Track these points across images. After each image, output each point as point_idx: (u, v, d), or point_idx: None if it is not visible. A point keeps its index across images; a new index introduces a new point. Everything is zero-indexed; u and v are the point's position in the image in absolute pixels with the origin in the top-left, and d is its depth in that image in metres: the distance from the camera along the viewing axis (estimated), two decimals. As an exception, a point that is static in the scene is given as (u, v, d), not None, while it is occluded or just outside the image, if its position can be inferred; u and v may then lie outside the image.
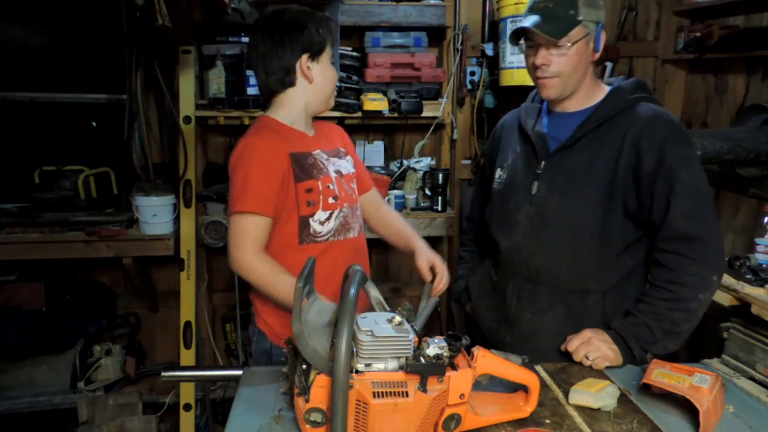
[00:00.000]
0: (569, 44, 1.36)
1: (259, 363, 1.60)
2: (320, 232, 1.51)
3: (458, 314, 3.08)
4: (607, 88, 1.49)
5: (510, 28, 2.54)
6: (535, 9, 1.39)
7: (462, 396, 1.01)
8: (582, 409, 1.16)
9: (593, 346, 1.35)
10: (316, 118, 1.64)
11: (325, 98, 1.57)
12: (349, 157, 1.67)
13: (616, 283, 1.44)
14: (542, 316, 1.47)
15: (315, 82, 1.52)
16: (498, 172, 1.60)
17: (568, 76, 1.40)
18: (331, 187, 1.53)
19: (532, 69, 1.44)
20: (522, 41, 1.44)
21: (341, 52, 2.72)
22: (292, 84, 1.51)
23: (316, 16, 1.51)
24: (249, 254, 1.42)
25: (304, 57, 1.48)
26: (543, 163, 1.47)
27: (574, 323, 1.44)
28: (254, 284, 1.46)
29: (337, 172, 1.57)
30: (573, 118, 1.46)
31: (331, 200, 1.52)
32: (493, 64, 2.84)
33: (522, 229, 1.48)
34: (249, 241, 1.42)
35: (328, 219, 1.52)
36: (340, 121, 2.68)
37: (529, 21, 1.38)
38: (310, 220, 1.50)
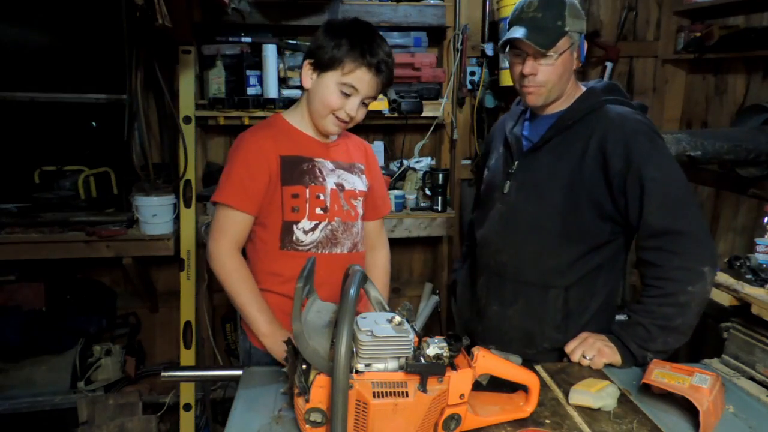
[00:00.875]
0: (556, 55, 1.39)
1: (244, 361, 1.63)
2: (303, 241, 1.49)
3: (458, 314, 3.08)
4: (583, 89, 1.53)
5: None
6: (523, 19, 1.41)
7: (462, 396, 1.01)
8: (582, 409, 1.16)
9: (588, 344, 1.37)
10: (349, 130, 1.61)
11: (315, 114, 1.47)
12: (364, 177, 1.61)
13: (579, 280, 1.46)
14: (506, 309, 1.53)
15: (310, 92, 1.47)
16: (485, 173, 1.67)
17: (554, 85, 1.44)
18: (321, 197, 1.49)
19: (519, 78, 1.47)
20: (507, 50, 1.47)
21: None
22: (304, 82, 1.48)
23: (353, 37, 1.40)
24: (222, 248, 1.45)
25: (307, 62, 1.45)
26: (516, 163, 1.52)
27: (535, 317, 1.49)
28: (218, 278, 1.47)
29: (338, 185, 1.53)
30: (548, 120, 1.51)
31: (318, 210, 1.49)
32: (493, 64, 2.84)
33: (492, 226, 1.55)
34: (223, 235, 1.45)
35: (313, 229, 1.49)
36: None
37: (519, 32, 1.40)
38: (294, 227, 1.48)
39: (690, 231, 1.32)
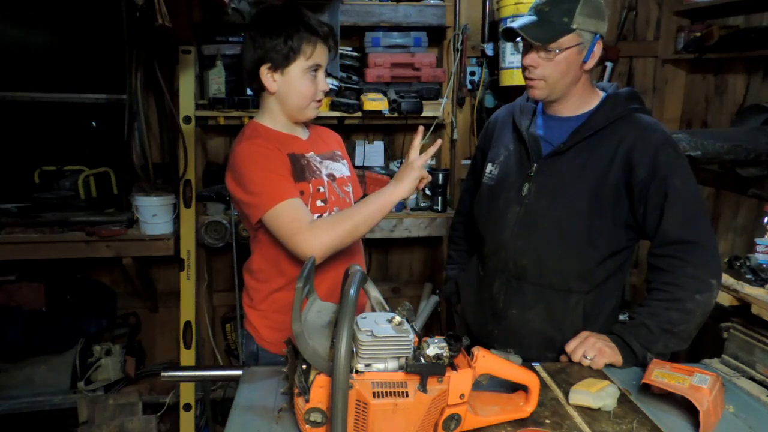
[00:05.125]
0: (558, 50, 1.38)
1: (249, 364, 1.59)
2: None
3: (457, 314, 3.07)
4: (601, 95, 1.51)
5: (510, 28, 2.54)
6: (533, 9, 1.41)
7: (462, 396, 1.01)
8: (582, 409, 1.16)
9: (589, 343, 1.37)
10: (314, 121, 1.61)
11: (295, 110, 1.48)
12: (345, 161, 1.63)
13: (598, 285, 1.47)
14: (526, 313, 1.51)
15: (279, 93, 1.45)
16: (489, 167, 1.62)
17: (555, 81, 1.42)
18: (321, 189, 1.50)
19: (523, 68, 1.46)
20: (519, 39, 1.45)
21: (341, 52, 2.72)
22: (262, 89, 1.47)
23: (294, 21, 1.40)
24: (305, 237, 1.33)
25: (264, 67, 1.43)
26: (535, 165, 1.49)
27: (555, 321, 1.49)
28: (340, 244, 1.35)
29: (330, 175, 1.54)
30: (567, 123, 1.49)
31: (319, 203, 1.49)
32: (493, 64, 2.84)
33: (510, 229, 1.51)
34: (297, 224, 1.34)
35: None
36: (340, 121, 2.68)
37: (521, 21, 1.39)
38: None
39: (704, 243, 1.35)
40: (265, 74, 1.43)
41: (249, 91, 2.58)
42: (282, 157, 1.44)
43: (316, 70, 1.45)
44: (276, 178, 1.39)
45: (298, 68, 1.42)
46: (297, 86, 1.44)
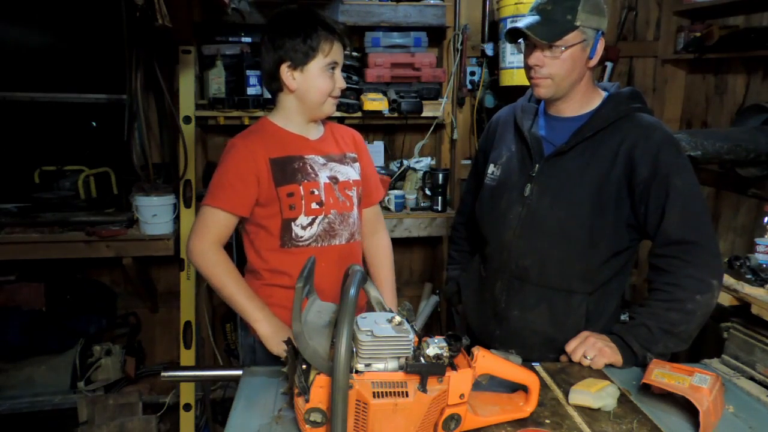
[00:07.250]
0: (563, 48, 1.38)
1: (246, 359, 1.63)
2: (302, 237, 1.51)
3: (458, 314, 3.07)
4: (603, 94, 1.51)
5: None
6: (535, 9, 1.41)
7: (462, 396, 1.01)
8: (582, 409, 1.16)
9: (589, 343, 1.37)
10: (331, 120, 1.65)
11: (313, 106, 1.52)
12: (357, 165, 1.65)
13: (601, 286, 1.47)
14: (527, 314, 1.51)
15: (298, 91, 1.50)
16: (491, 168, 1.61)
17: (561, 79, 1.42)
18: (316, 192, 1.52)
19: (527, 68, 1.46)
20: (521, 40, 1.45)
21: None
22: (279, 89, 1.52)
23: (312, 22, 1.46)
24: (205, 243, 1.47)
25: (284, 66, 1.47)
26: (537, 166, 1.49)
27: (557, 323, 1.48)
28: (203, 273, 1.48)
29: (332, 178, 1.55)
30: (569, 123, 1.48)
31: (314, 206, 1.51)
32: (493, 64, 2.84)
33: (512, 229, 1.51)
34: (208, 232, 1.47)
35: (311, 224, 1.52)
36: (340, 121, 2.68)
37: (525, 21, 1.40)
38: (293, 224, 1.50)
39: (705, 243, 1.35)
40: (285, 73, 1.48)
41: (249, 91, 2.59)
42: (255, 167, 1.47)
43: (333, 68, 1.50)
44: (227, 184, 1.47)
45: (317, 66, 1.47)
46: (316, 83, 1.49)
